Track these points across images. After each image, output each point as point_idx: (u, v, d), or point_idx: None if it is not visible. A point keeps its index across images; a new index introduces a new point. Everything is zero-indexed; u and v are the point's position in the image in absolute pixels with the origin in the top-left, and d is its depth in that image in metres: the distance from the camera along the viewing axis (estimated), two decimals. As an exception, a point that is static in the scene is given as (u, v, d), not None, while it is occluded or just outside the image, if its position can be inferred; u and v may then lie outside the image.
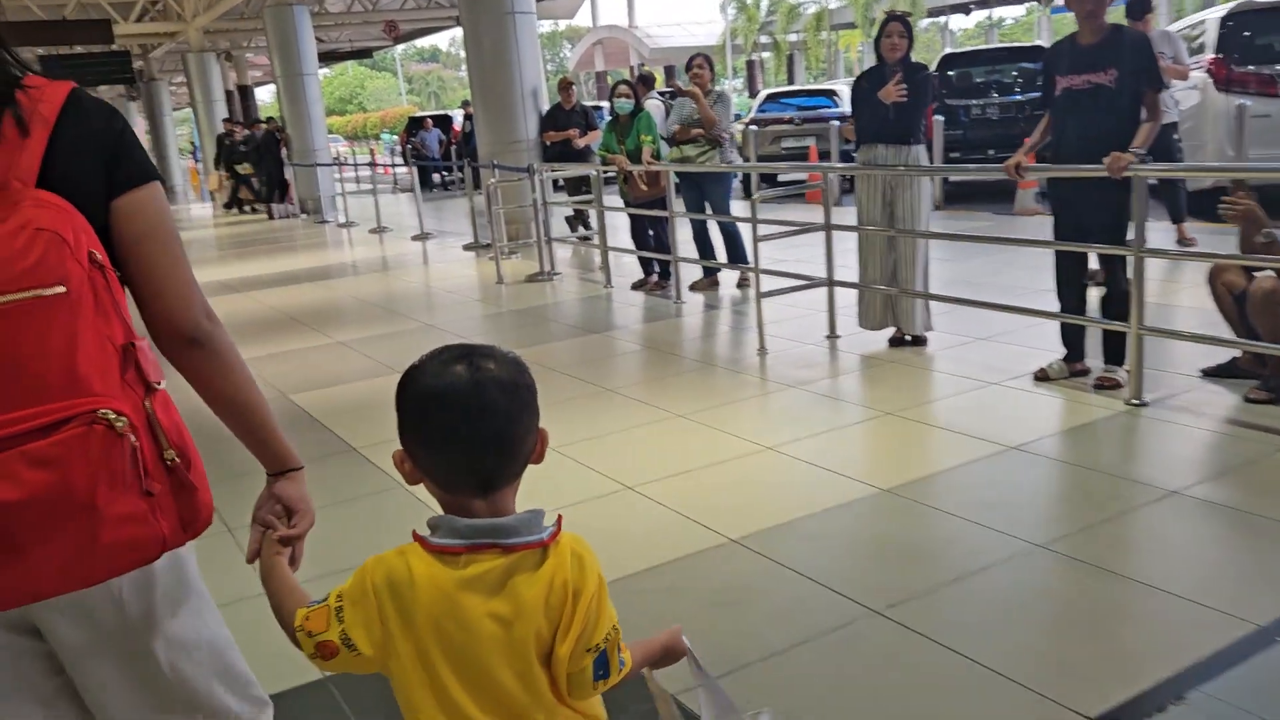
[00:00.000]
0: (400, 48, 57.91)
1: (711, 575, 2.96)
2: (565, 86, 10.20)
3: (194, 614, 1.36)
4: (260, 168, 17.65)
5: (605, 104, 10.14)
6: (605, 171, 7.88)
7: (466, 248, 10.91)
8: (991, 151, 10.99)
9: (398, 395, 1.21)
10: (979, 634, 2.51)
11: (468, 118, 19.13)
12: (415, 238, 12.18)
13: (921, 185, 5.13)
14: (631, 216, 7.77)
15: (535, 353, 5.83)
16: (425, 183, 21.79)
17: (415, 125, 23.65)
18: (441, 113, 25.78)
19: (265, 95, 46.53)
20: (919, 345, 5.25)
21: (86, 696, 1.31)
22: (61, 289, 1.08)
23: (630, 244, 7.86)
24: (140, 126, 34.17)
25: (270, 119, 17.88)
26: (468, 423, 1.15)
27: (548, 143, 10.37)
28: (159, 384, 1.21)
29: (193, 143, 30.51)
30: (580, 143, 10.13)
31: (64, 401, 1.07)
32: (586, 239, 10.00)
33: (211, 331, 1.30)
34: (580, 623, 1.17)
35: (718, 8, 72.51)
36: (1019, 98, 11.53)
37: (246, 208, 18.89)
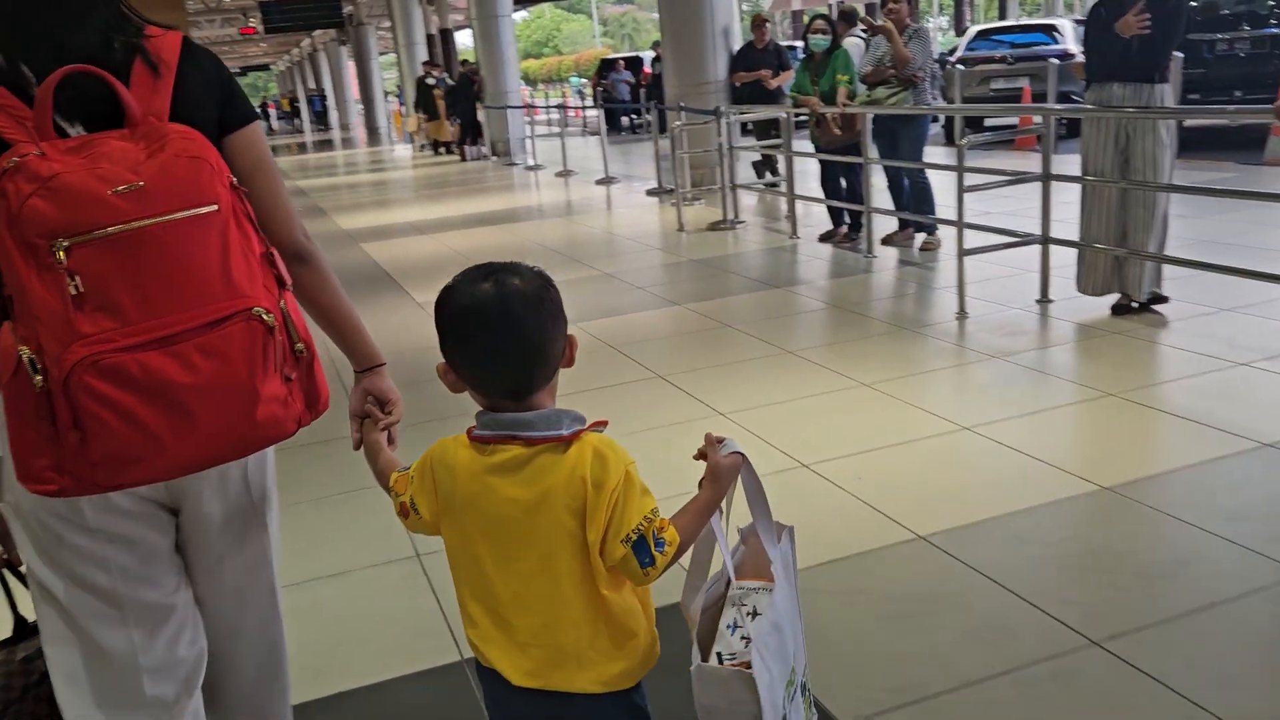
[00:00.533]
0: (596, -10, 58.11)
1: (894, 578, 2.59)
2: (759, 24, 9.70)
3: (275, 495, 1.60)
4: (455, 110, 17.99)
5: (800, 44, 9.59)
6: (796, 114, 7.40)
7: (650, 193, 10.67)
8: (1238, 93, 9.73)
9: (435, 312, 1.31)
10: (1228, 683, 2.05)
11: (657, 59, 18.84)
12: (599, 182, 12.05)
13: (1164, 131, 4.43)
14: (822, 163, 7.27)
15: (712, 306, 5.52)
16: (614, 126, 21.72)
17: (606, 68, 23.53)
18: (633, 54, 25.54)
19: (465, 39, 47.81)
20: (1149, 313, 4.60)
21: (199, 569, 1.50)
22: (214, 207, 1.26)
23: (820, 192, 7.38)
24: (349, 70, 35.78)
25: (466, 61, 18.14)
26: (497, 337, 1.27)
27: (737, 84, 9.94)
28: (289, 284, 1.38)
29: (398, 85, 31.65)
30: (772, 84, 9.64)
31: (225, 302, 1.25)
32: (773, 186, 9.54)
33: (312, 249, 1.49)
34: (604, 512, 1.25)
35: (925, -59, 69.25)
36: (1275, 30, 10.12)
37: (441, 149, 19.36)
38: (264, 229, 1.38)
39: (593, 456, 1.25)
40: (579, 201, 10.96)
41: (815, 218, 7.61)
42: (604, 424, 1.31)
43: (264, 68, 62.92)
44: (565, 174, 13.32)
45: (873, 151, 6.49)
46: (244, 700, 1.60)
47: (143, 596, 1.41)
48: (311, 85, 43.91)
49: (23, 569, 1.44)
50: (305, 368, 1.37)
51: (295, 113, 46.30)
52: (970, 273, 4.99)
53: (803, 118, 7.34)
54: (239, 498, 1.48)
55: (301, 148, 28.74)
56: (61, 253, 1.17)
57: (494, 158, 17.03)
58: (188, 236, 1.23)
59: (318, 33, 39.33)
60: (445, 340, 1.31)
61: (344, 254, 8.48)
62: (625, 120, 22.20)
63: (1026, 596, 2.42)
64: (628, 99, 21.99)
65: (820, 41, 7.01)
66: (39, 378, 1.18)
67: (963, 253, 4.98)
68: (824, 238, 7.17)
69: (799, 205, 7.48)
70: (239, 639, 1.56)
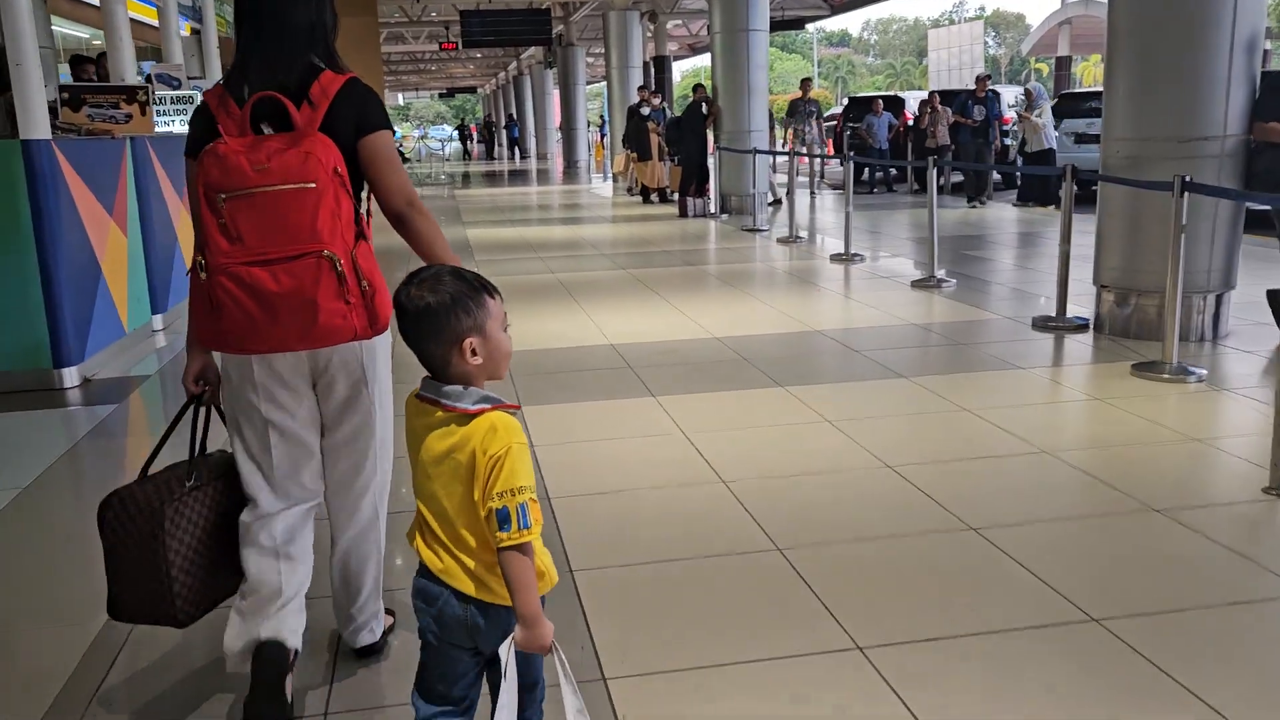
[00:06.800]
0: (811, 27, 53.40)
1: None
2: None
3: (385, 395, 2.30)
4: (676, 149, 13.82)
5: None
6: None
7: (1040, 326, 5.96)
8: None
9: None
10: None
11: (936, 98, 14.09)
12: (917, 284, 7.45)
13: None
14: None
15: None
16: (857, 179, 17.17)
17: (860, 107, 18.81)
18: (893, 94, 20.79)
19: (679, 73, 44.27)
20: None
21: (325, 425, 2.25)
22: (312, 184, 1.98)
23: None
24: (554, 97, 32.61)
25: (699, 86, 13.90)
26: (405, 331, 1.68)
27: (1254, 141, 5.22)
28: (365, 238, 2.08)
29: (602, 117, 28.03)
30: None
31: (307, 245, 1.97)
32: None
33: (408, 213, 2.15)
34: (484, 473, 1.56)
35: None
36: None
37: (654, 196, 15.26)
38: (378, 198, 2.14)
39: (487, 429, 1.58)
40: (920, 322, 6.24)
41: None
42: (515, 407, 1.65)
43: (471, 90, 61.77)
44: (846, 259, 8.76)
45: None
46: (343, 539, 2.34)
47: (285, 428, 2.19)
48: (513, 111, 41.30)
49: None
50: (369, 298, 2.03)
51: (492, 138, 43.84)
52: None
53: None
54: (353, 378, 2.19)
55: (490, 178, 25.42)
56: (221, 202, 1.97)
57: (723, 216, 12.71)
58: (290, 200, 1.97)
59: (526, 55, 36.74)
60: None
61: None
62: (873, 175, 17.55)
63: None
64: (887, 147, 17.32)
65: None
66: (203, 275, 1.99)
67: None
68: None
69: None
70: (340, 490, 2.30)
